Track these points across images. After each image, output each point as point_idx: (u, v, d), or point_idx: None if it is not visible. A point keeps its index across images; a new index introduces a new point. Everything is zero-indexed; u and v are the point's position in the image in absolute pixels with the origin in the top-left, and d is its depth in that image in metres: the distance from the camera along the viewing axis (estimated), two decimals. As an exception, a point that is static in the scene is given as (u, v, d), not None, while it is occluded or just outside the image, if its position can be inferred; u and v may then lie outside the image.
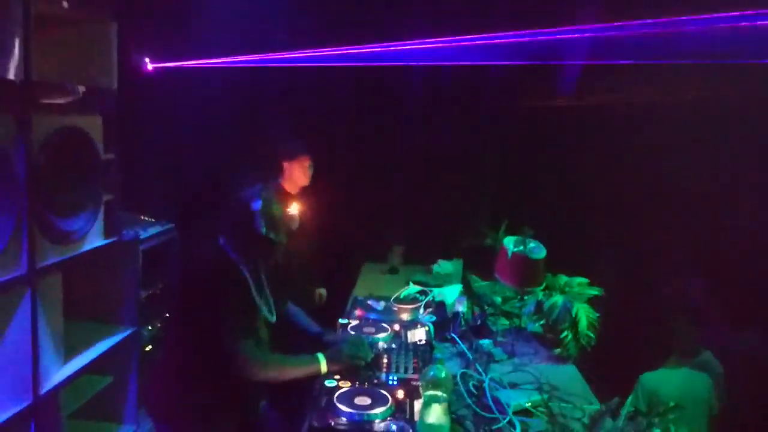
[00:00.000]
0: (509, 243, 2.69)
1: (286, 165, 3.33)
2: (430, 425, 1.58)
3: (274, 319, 2.21)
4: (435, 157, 4.43)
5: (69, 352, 2.47)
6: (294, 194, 3.32)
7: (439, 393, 1.63)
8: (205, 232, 2.26)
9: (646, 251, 4.07)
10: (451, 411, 1.92)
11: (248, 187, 2.12)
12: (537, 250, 2.66)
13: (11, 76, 2.00)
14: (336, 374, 2.05)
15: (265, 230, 2.04)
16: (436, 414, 1.58)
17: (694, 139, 3.69)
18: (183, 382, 2.10)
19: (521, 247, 2.67)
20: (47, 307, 2.23)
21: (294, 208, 2.80)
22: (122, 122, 3.12)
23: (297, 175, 3.33)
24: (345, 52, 3.90)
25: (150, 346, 3.19)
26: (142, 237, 3.03)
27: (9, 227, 1.97)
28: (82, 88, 2.31)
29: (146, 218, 3.40)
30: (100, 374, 2.80)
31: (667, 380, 3.07)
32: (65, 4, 2.27)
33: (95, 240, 2.51)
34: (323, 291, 3.76)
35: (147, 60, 4.04)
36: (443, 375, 1.67)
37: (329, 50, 3.93)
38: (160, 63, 4.11)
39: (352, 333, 2.41)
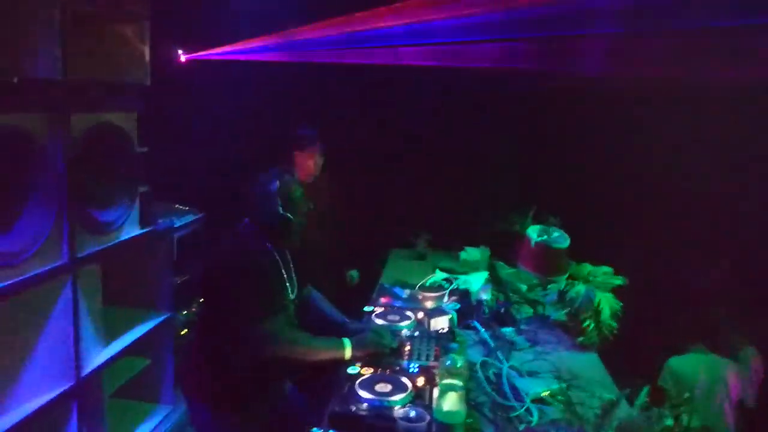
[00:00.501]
0: (533, 232, 2.72)
1: (297, 154, 3.38)
2: (446, 412, 1.64)
3: (293, 296, 2.30)
4: (464, 143, 4.43)
5: (109, 336, 2.61)
6: (305, 183, 3.37)
7: (455, 381, 1.68)
8: (231, 217, 2.36)
9: (676, 240, 4.02)
10: (470, 398, 1.98)
11: (266, 173, 2.22)
12: (560, 239, 2.68)
13: (50, 75, 2.10)
14: (359, 361, 2.12)
15: (282, 209, 2.14)
16: (451, 402, 1.63)
17: (725, 129, 3.62)
18: (213, 365, 2.21)
19: (545, 236, 2.69)
20: (87, 295, 2.36)
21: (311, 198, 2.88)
22: (158, 114, 3.22)
23: (307, 165, 3.37)
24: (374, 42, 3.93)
25: (185, 330, 3.33)
26: (176, 225, 3.15)
27: (50, 220, 2.09)
28: (117, 86, 2.42)
29: (180, 207, 3.52)
30: (138, 357, 2.93)
31: (694, 365, 3.08)
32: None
33: (131, 230, 2.63)
34: (354, 272, 3.84)
35: (180, 52, 4.15)
36: (459, 364, 1.73)
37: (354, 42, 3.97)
38: (192, 54, 4.22)
39: (377, 321, 2.48)
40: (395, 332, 2.34)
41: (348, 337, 2.19)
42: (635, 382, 2.08)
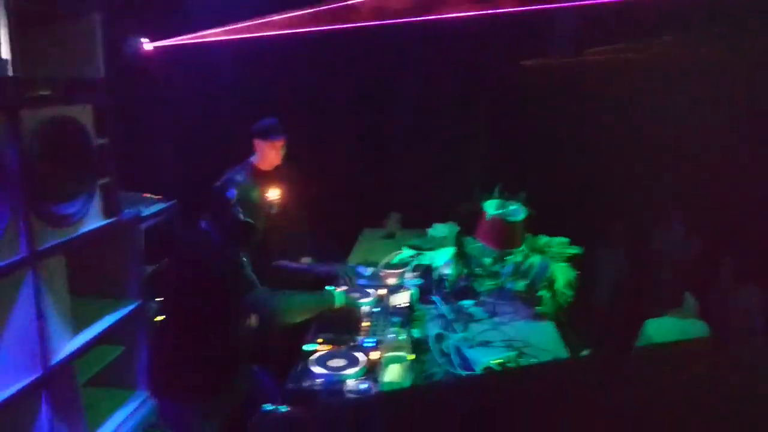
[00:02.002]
0: (489, 206, 2.77)
1: (258, 144, 3.35)
2: (390, 383, 1.71)
3: None
4: (434, 122, 4.48)
5: (78, 325, 2.65)
6: (267, 172, 3.36)
7: (400, 354, 1.75)
8: (190, 215, 2.40)
9: (646, 213, 4.09)
10: (424, 369, 2.06)
11: (225, 174, 2.25)
12: (516, 212, 2.74)
13: (-1, 73, 2.12)
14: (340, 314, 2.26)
15: (243, 216, 2.17)
16: (394, 373, 1.70)
17: (693, 95, 3.67)
18: (181, 359, 2.25)
19: (501, 210, 2.74)
20: (52, 286, 2.40)
21: (274, 193, 2.92)
22: (124, 104, 3.22)
23: (268, 154, 3.33)
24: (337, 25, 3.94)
25: (159, 317, 3.38)
26: (144, 214, 3.19)
27: (5, 215, 2.12)
28: (68, 80, 2.44)
29: (149, 196, 3.55)
30: (111, 345, 2.99)
31: (669, 329, 3.18)
32: None
33: (94, 221, 2.66)
34: (309, 260, 3.85)
35: (145, 41, 4.15)
36: (401, 337, 1.79)
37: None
38: (157, 42, 4.22)
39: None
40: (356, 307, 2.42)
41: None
42: (581, 347, 2.16)
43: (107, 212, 2.76)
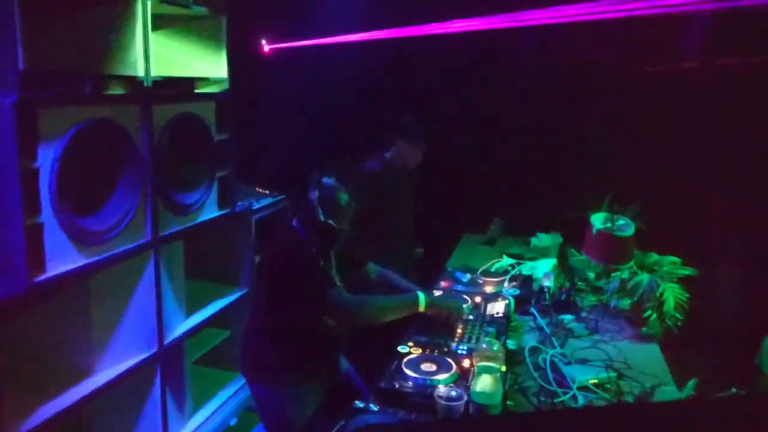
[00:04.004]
0: (596, 220, 2.67)
1: (400, 143, 3.39)
2: (481, 393, 1.70)
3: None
4: (543, 127, 4.37)
5: (190, 308, 2.85)
6: (399, 170, 3.41)
7: (492, 364, 1.73)
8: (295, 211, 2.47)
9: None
10: (518, 382, 2.03)
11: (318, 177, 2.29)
12: (625, 227, 2.62)
13: (136, 72, 2.32)
14: (432, 319, 2.26)
15: (323, 218, 2.22)
16: (485, 383, 1.69)
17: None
18: (270, 342, 2.37)
19: (608, 224, 2.64)
20: (170, 270, 2.59)
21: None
22: (243, 102, 3.39)
23: (408, 155, 3.40)
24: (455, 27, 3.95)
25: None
26: (255, 207, 3.36)
27: (135, 201, 2.32)
28: (195, 80, 2.63)
29: (261, 191, 3.73)
30: (219, 328, 3.18)
31: None
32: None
33: (211, 211, 2.84)
34: (420, 250, 3.87)
35: (264, 42, 4.37)
36: (495, 347, 1.77)
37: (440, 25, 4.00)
38: (276, 44, 4.43)
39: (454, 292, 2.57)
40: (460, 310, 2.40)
41: (424, 293, 2.32)
42: (689, 374, 2.04)
43: (223, 203, 2.94)
